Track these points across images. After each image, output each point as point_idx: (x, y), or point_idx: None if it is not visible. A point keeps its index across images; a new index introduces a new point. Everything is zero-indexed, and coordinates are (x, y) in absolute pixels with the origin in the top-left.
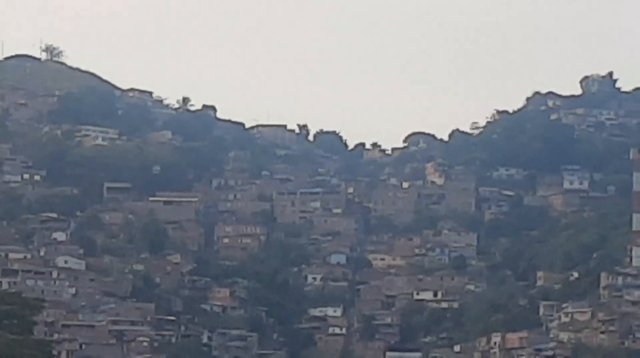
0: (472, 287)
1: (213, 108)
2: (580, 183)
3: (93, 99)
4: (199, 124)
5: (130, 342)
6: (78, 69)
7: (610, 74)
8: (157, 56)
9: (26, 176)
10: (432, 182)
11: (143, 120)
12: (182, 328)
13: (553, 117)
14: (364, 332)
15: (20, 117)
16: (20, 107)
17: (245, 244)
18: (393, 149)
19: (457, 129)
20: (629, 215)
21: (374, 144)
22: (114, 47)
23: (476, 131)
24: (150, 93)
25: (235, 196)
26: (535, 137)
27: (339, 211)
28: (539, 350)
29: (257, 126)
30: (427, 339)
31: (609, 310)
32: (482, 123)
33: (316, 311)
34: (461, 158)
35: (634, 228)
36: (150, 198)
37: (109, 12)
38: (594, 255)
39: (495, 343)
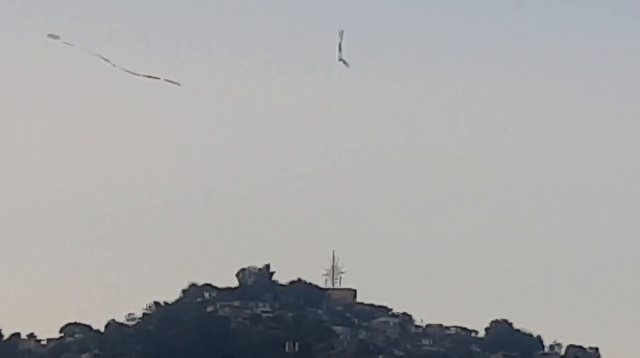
0: None
1: None
2: None
3: None
4: None
5: None
6: None
7: (267, 266)
8: None
9: None
10: None
11: None
12: None
13: (209, 309)
14: None
15: None
16: None
17: None
18: (48, 340)
19: (113, 320)
20: None
21: (30, 335)
22: None
23: (132, 322)
24: None
25: None
26: (190, 329)
27: None
28: None
29: None
30: None
31: None
32: (139, 314)
33: None
34: (117, 349)
35: None
36: None
37: None
38: None
39: None
